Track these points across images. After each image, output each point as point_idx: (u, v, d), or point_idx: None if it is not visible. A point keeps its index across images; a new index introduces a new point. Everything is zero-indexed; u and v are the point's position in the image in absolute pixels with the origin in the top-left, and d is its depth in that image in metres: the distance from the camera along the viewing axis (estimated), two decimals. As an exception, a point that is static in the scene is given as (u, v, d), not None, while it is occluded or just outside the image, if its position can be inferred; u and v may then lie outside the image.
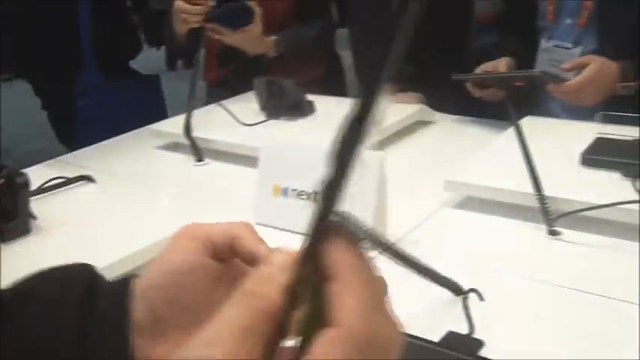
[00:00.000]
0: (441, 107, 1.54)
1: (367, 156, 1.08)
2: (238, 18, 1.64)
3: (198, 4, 1.60)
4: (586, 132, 1.16)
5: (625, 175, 1.00)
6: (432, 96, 1.68)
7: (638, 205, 0.91)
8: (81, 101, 2.06)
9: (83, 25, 2.05)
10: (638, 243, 0.88)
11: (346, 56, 2.00)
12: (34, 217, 1.02)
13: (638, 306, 0.73)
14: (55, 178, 1.21)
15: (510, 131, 1.23)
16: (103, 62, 2.09)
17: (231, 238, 0.43)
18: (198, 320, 0.42)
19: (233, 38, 1.66)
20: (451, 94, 1.50)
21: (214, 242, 0.43)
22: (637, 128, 1.15)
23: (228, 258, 0.44)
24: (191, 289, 0.43)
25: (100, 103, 2.05)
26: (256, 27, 1.66)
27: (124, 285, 0.43)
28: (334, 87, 1.89)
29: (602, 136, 1.13)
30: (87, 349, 0.41)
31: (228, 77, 1.80)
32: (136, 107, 2.03)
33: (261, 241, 0.43)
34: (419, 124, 1.46)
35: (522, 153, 0.97)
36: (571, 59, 1.35)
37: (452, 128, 1.48)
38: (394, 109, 1.48)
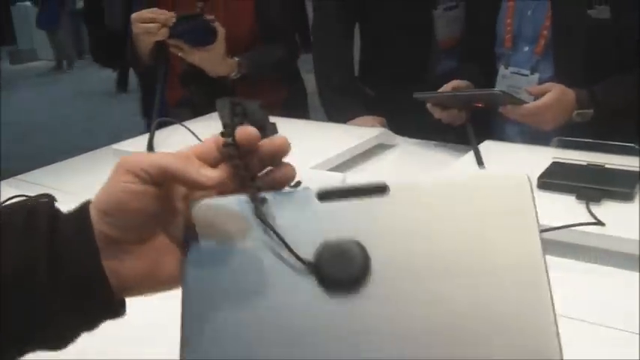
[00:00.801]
0: (402, 131, 1.56)
1: (328, 178, 1.09)
2: (202, 36, 1.63)
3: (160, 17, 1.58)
4: (542, 156, 1.19)
5: (579, 198, 1.03)
6: (394, 120, 1.70)
7: (591, 227, 0.94)
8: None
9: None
10: (590, 264, 0.91)
11: (309, 79, 2.02)
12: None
13: (597, 325, 0.75)
14: (15, 196, 1.19)
15: (470, 155, 1.26)
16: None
17: (160, 169, 0.48)
18: (145, 236, 0.50)
19: (195, 56, 1.65)
20: (412, 118, 1.52)
21: (147, 171, 0.48)
22: (590, 153, 1.18)
23: (163, 182, 0.49)
24: (135, 214, 0.48)
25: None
26: (219, 46, 1.65)
27: (84, 215, 0.49)
28: (297, 109, 1.90)
29: (558, 160, 1.15)
30: (59, 270, 0.47)
31: (191, 97, 1.80)
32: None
33: (191, 164, 0.49)
34: (380, 148, 1.48)
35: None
36: (529, 86, 1.38)
37: (412, 151, 1.50)
38: (355, 133, 1.49)
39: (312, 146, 1.36)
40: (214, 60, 1.67)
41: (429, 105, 1.40)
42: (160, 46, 1.61)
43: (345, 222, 0.48)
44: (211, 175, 0.49)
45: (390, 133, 1.53)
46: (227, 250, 0.49)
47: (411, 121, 1.54)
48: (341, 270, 0.46)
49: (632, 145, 1.09)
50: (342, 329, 0.46)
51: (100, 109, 6.36)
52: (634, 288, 0.84)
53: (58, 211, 0.50)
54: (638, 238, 0.91)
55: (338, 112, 1.75)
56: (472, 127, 1.34)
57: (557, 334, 0.44)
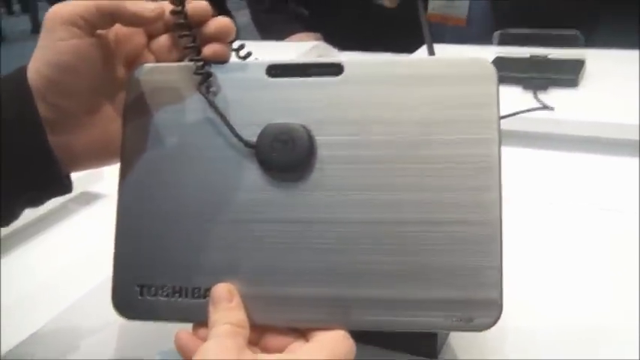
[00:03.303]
0: (342, 46, 1.52)
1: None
2: None
3: None
4: (485, 54, 1.17)
5: (525, 89, 1.03)
6: (332, 36, 1.66)
7: (541, 113, 0.93)
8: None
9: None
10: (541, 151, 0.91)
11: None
12: None
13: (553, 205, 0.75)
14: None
15: (422, 50, 1.23)
16: None
17: (98, 9, 0.44)
18: (93, 103, 0.46)
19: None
20: (351, 31, 1.48)
21: (84, 17, 0.43)
22: (531, 48, 1.17)
23: (105, 27, 0.45)
24: (82, 75, 0.44)
25: None
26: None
27: (23, 86, 0.43)
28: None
29: (501, 55, 1.14)
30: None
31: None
32: None
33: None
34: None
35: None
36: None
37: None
38: (292, 47, 1.45)
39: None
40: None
41: None
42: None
43: (293, 102, 0.44)
44: (152, 6, 0.44)
45: (329, 46, 1.49)
46: (164, 120, 0.46)
47: (350, 35, 1.51)
48: (283, 154, 0.43)
49: (574, 32, 1.09)
50: (280, 215, 0.43)
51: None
52: (589, 168, 0.84)
53: None
54: (586, 120, 0.91)
55: (273, 31, 1.70)
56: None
57: (501, 243, 0.41)
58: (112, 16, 0.44)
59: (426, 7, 1.54)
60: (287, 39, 1.64)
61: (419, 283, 0.41)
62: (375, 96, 0.44)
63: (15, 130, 0.43)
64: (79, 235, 0.74)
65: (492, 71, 0.43)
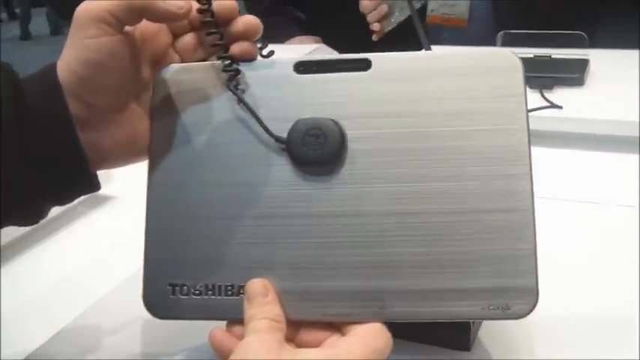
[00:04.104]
0: (339, 49, 1.53)
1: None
2: None
3: None
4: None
5: (532, 88, 1.03)
6: (329, 39, 1.66)
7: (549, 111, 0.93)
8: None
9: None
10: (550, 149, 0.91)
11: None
12: None
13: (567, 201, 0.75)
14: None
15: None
16: None
17: (127, 6, 0.43)
18: (121, 100, 0.46)
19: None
20: (349, 35, 1.48)
21: (114, 13, 0.43)
22: (533, 49, 1.17)
23: (133, 23, 0.45)
24: (110, 71, 0.44)
25: None
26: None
27: (54, 83, 0.43)
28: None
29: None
30: (27, 143, 0.42)
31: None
32: None
33: None
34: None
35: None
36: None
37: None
38: (294, 50, 1.45)
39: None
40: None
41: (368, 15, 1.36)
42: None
43: (322, 97, 0.44)
44: (180, 3, 0.44)
45: (330, 49, 1.49)
46: (192, 119, 0.45)
47: (348, 39, 1.50)
48: (315, 148, 0.43)
49: (579, 33, 1.09)
50: (314, 210, 0.43)
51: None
52: (594, 165, 0.84)
53: (18, 81, 0.44)
54: (594, 118, 0.91)
55: (272, 34, 1.69)
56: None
57: (534, 231, 0.41)
58: (141, 12, 0.44)
59: (425, 9, 1.54)
60: (287, 42, 1.64)
61: (454, 273, 0.41)
62: (404, 89, 0.44)
63: (46, 127, 0.42)
64: (89, 238, 0.74)
65: (517, 62, 0.43)
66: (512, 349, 0.50)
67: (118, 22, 0.43)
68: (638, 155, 0.83)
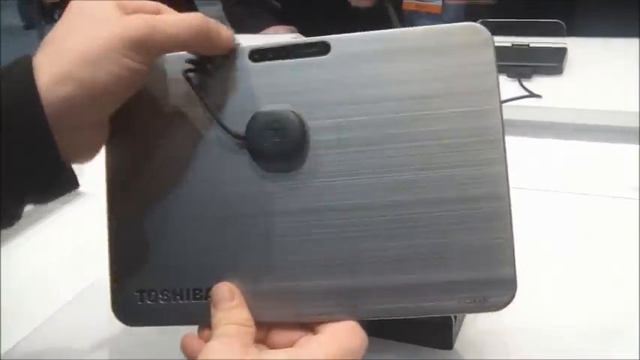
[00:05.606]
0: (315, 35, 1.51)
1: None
2: None
3: None
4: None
5: (510, 77, 1.02)
6: (305, 28, 1.64)
7: (528, 101, 0.93)
8: None
9: None
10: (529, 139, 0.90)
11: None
12: None
13: (542, 191, 0.74)
14: None
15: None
16: None
17: (189, 35, 0.40)
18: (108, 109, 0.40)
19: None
20: (324, 23, 1.46)
21: (181, 41, 0.40)
22: (511, 37, 1.16)
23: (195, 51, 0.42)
24: (107, 80, 0.38)
25: None
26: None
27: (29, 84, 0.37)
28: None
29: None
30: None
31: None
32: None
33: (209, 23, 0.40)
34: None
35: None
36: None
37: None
38: (268, 40, 1.43)
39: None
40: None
41: None
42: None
43: (280, 86, 0.41)
44: (230, 33, 0.41)
45: (304, 37, 1.47)
46: (154, 117, 0.43)
47: (324, 29, 1.49)
48: (275, 143, 0.40)
49: (557, 21, 1.08)
50: (277, 207, 0.41)
51: None
52: (574, 155, 0.84)
53: None
54: (573, 107, 0.90)
55: (247, 24, 1.67)
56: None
57: (511, 219, 0.39)
58: (201, 43, 0.41)
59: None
60: (262, 32, 1.62)
61: (428, 267, 0.39)
62: (367, 73, 0.41)
63: (20, 130, 0.38)
64: (60, 234, 0.71)
65: (488, 37, 0.40)
66: (497, 348, 0.48)
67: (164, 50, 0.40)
68: (618, 144, 0.82)
